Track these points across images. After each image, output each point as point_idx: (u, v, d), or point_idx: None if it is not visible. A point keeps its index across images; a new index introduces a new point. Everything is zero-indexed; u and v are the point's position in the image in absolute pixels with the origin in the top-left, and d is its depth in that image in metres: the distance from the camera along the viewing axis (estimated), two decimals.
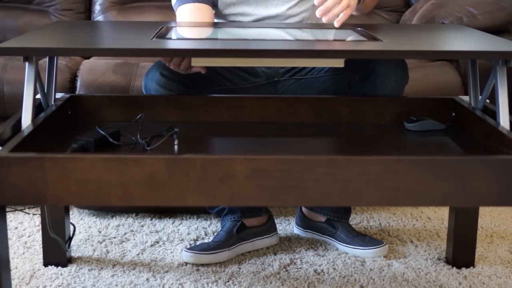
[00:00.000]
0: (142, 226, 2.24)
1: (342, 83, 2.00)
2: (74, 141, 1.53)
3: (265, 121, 1.82)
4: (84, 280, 1.89)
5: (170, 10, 2.81)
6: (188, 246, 2.08)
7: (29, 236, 2.15)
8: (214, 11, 2.02)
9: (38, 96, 1.66)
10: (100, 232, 2.20)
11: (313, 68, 2.05)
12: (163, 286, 1.86)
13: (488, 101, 1.74)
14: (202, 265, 1.97)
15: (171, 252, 2.05)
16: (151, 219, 2.30)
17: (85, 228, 2.23)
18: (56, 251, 1.94)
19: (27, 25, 2.76)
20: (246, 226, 2.07)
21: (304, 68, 2.06)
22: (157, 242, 2.12)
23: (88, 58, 2.49)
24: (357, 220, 2.31)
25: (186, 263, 1.98)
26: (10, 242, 2.10)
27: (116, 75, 2.32)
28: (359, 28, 1.88)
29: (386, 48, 1.48)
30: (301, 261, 2.01)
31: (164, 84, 1.89)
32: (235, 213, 2.07)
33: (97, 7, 2.85)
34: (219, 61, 1.61)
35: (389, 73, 1.92)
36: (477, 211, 1.97)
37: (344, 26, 1.83)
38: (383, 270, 1.96)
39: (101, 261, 2.00)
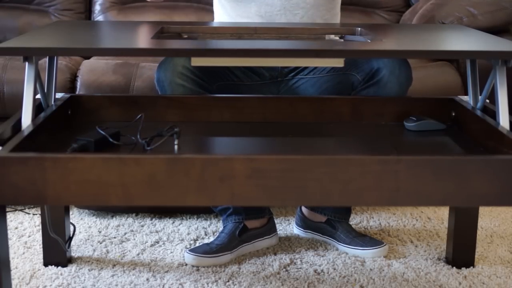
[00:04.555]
0: (142, 226, 2.24)
1: (345, 83, 2.01)
2: (74, 141, 1.53)
3: (266, 121, 1.82)
4: (84, 280, 1.89)
5: (170, 10, 2.83)
6: (189, 247, 2.07)
7: (29, 236, 2.15)
8: None
9: (38, 96, 1.66)
10: (100, 232, 2.20)
11: (316, 67, 2.05)
12: (163, 286, 1.86)
13: (488, 101, 1.74)
14: None
15: (171, 252, 2.05)
16: (151, 219, 2.30)
17: (85, 228, 2.23)
18: (56, 251, 1.94)
19: (27, 25, 2.76)
20: (248, 228, 2.07)
21: (306, 67, 2.07)
22: (157, 242, 2.12)
23: (88, 58, 2.49)
24: (357, 220, 2.31)
25: (186, 263, 1.99)
26: (10, 242, 2.10)
27: (116, 75, 2.32)
28: (359, 28, 1.88)
29: (386, 48, 1.48)
30: (301, 261, 2.01)
31: (179, 74, 1.90)
32: (239, 214, 2.07)
33: (97, 7, 2.85)
34: (219, 61, 1.61)
35: (393, 74, 1.92)
36: (477, 211, 1.97)
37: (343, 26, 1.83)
38: (383, 270, 1.96)
39: (101, 261, 2.00)
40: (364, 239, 2.07)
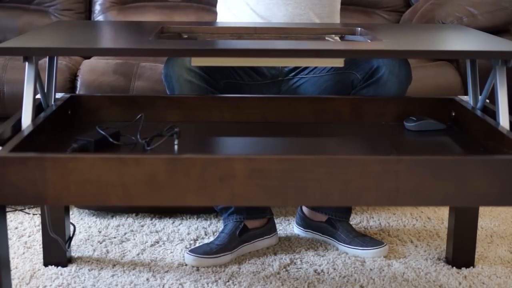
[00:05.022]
0: (142, 226, 2.24)
1: (345, 82, 2.01)
2: (74, 141, 1.53)
3: (266, 121, 1.82)
4: (84, 280, 1.89)
5: (170, 10, 2.83)
6: (189, 247, 2.07)
7: (29, 236, 2.15)
8: None
9: (38, 96, 1.66)
10: (100, 232, 2.20)
11: (316, 67, 2.05)
12: (163, 286, 1.86)
13: (488, 101, 1.74)
14: None
15: (171, 252, 2.05)
16: (151, 219, 2.30)
17: (85, 228, 2.23)
18: (56, 251, 1.94)
19: (27, 25, 2.76)
20: (248, 228, 2.07)
21: (307, 67, 2.07)
22: (157, 242, 2.12)
23: (88, 58, 2.49)
24: (357, 220, 2.31)
25: (186, 264, 1.99)
26: (10, 242, 2.10)
27: (116, 75, 2.32)
28: (359, 28, 1.88)
29: (386, 48, 1.48)
30: (301, 261, 2.01)
31: (187, 70, 1.91)
32: (241, 214, 2.07)
33: (97, 7, 2.85)
34: (219, 61, 1.62)
35: (393, 73, 1.92)
36: (477, 211, 1.97)
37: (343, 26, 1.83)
38: (383, 270, 1.96)
39: (101, 261, 2.00)
40: (364, 239, 2.07)
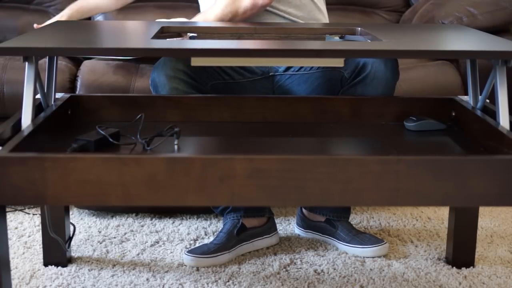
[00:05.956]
0: (142, 226, 2.24)
1: (335, 80, 2.02)
2: (74, 141, 1.53)
3: (265, 121, 1.82)
4: (84, 280, 1.89)
5: (170, 10, 2.83)
6: (189, 247, 2.07)
7: (29, 236, 2.15)
8: None
9: (38, 96, 1.66)
10: (100, 232, 2.20)
11: None
12: (163, 286, 1.86)
13: (488, 101, 1.74)
14: None
15: (171, 252, 2.05)
16: (151, 219, 2.30)
17: (85, 228, 2.23)
18: (56, 251, 1.94)
19: (27, 25, 2.76)
20: (246, 227, 2.07)
21: None
22: (157, 242, 2.12)
23: (88, 58, 2.49)
24: (357, 220, 2.31)
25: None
26: (10, 242, 2.10)
27: (117, 75, 2.32)
28: (359, 28, 1.88)
29: (386, 48, 1.48)
30: (301, 261, 2.01)
31: (171, 78, 1.91)
32: (238, 212, 2.07)
33: None
34: (219, 61, 1.62)
35: (379, 70, 1.92)
36: (477, 211, 1.97)
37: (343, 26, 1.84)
38: (383, 270, 1.96)
39: (101, 261, 2.00)
40: (364, 236, 2.07)
